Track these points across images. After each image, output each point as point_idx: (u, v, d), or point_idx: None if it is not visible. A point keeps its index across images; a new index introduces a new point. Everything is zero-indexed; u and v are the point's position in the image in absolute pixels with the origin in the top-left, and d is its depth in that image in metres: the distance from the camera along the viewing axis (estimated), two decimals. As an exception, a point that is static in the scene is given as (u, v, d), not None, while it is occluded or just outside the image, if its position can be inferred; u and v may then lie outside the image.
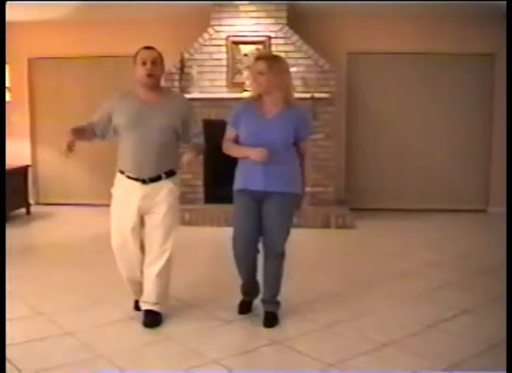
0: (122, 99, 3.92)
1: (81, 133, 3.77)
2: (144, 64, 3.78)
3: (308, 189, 4.03)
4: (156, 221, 3.87)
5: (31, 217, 8.01)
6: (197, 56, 7.72)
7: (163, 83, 6.84)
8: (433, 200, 8.49)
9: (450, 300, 4.54)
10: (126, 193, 3.88)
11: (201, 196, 7.89)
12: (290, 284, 4.26)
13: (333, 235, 7.05)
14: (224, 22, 7.71)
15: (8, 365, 3.23)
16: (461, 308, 4.30)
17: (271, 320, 3.96)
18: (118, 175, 3.95)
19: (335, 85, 7.72)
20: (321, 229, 7.15)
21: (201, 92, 7.64)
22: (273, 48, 7.61)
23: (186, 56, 7.66)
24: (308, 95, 7.29)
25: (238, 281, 4.20)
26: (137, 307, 4.13)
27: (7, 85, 8.25)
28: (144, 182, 3.83)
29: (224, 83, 7.75)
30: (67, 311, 4.22)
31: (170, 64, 7.43)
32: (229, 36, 7.68)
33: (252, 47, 7.69)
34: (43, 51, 8.54)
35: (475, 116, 8.41)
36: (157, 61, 3.82)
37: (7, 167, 7.49)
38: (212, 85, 7.74)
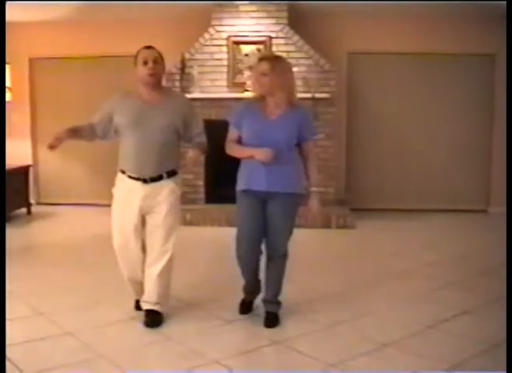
0: (123, 99, 3.93)
1: (75, 133, 3.80)
2: (145, 63, 3.78)
3: (314, 189, 4.00)
4: (158, 220, 3.88)
5: (32, 217, 8.02)
6: (198, 56, 7.73)
7: (163, 83, 6.87)
8: (433, 200, 8.49)
9: (450, 300, 4.54)
10: (127, 193, 3.88)
11: (203, 196, 7.89)
12: (291, 284, 4.26)
13: (333, 235, 7.06)
14: (225, 22, 7.71)
15: (9, 365, 3.24)
16: (462, 309, 4.30)
17: (272, 320, 3.96)
18: (119, 175, 3.96)
19: (336, 85, 7.73)
20: (322, 229, 7.15)
21: (202, 92, 7.65)
22: (274, 48, 7.61)
23: (187, 56, 7.67)
24: (309, 96, 7.30)
25: (239, 281, 4.20)
26: (138, 307, 4.14)
27: (8, 84, 8.25)
28: (145, 181, 3.84)
29: (225, 83, 7.76)
30: (67, 312, 4.22)
31: (171, 64, 7.43)
32: (230, 36, 7.69)
33: (253, 47, 7.70)
34: (43, 51, 8.55)
35: (475, 116, 8.41)
36: (158, 60, 3.83)
37: (8, 167, 7.49)
38: (212, 85, 7.74)
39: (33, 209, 8.28)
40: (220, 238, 6.47)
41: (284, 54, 6.76)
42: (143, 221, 3.92)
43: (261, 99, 3.89)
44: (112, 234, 3.97)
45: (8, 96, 8.31)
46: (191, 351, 3.54)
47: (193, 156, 3.76)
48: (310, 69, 7.60)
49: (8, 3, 5.47)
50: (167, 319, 4.00)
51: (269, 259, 3.99)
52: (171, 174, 3.91)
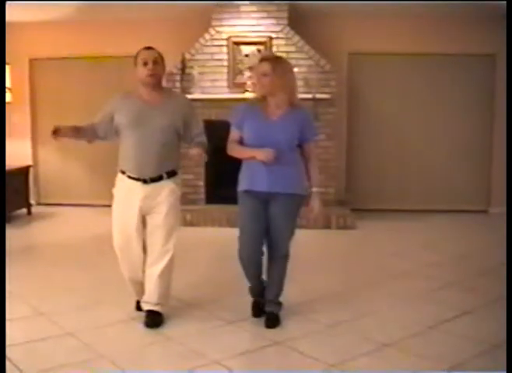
0: (124, 99, 3.93)
1: (77, 132, 3.80)
2: (145, 64, 3.78)
3: (315, 189, 4.00)
4: (158, 221, 3.88)
5: (32, 218, 8.02)
6: (198, 56, 7.73)
7: (164, 84, 6.87)
8: (434, 200, 8.49)
9: (450, 300, 4.54)
10: (127, 194, 3.88)
11: (203, 196, 7.89)
12: (292, 284, 4.25)
13: (334, 235, 7.06)
14: (225, 22, 7.71)
15: (9, 365, 3.24)
16: (462, 309, 4.30)
17: (272, 321, 3.96)
18: (119, 175, 3.96)
19: (336, 86, 7.73)
20: (322, 230, 7.15)
21: (203, 92, 7.65)
22: (274, 49, 7.61)
23: (187, 56, 7.67)
24: (309, 96, 7.30)
25: (240, 282, 4.20)
26: (138, 307, 4.13)
27: (8, 85, 8.26)
28: (145, 182, 3.84)
29: (225, 84, 7.76)
30: (68, 312, 4.22)
31: (172, 64, 7.43)
32: (231, 36, 7.68)
33: (253, 48, 7.69)
34: (44, 52, 8.55)
35: (476, 116, 8.41)
36: (158, 61, 3.83)
37: (8, 167, 7.50)
38: (213, 85, 7.74)
39: (34, 209, 8.28)
40: (221, 238, 6.49)
41: (284, 55, 6.78)
42: (144, 222, 3.92)
43: (262, 100, 3.89)
44: (112, 234, 3.97)
45: (8, 97, 8.31)
46: (192, 352, 3.54)
47: (196, 153, 3.74)
48: (310, 69, 7.60)
49: (8, 3, 5.47)
50: (168, 320, 4.00)
51: (271, 259, 3.99)
52: (171, 174, 3.91)
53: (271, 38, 7.66)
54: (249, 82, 7.38)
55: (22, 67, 8.62)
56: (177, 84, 7.63)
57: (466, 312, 4.25)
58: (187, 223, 7.17)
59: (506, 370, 2.77)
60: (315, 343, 3.70)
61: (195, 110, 4.07)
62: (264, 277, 4.10)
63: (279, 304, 4.06)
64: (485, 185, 8.49)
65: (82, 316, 4.14)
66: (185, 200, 7.40)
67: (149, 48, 3.86)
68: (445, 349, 3.60)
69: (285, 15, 7.66)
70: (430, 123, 8.44)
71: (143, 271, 3.97)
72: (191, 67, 7.64)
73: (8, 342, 3.41)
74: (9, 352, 3.37)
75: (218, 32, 7.71)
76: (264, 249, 3.98)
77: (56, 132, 3.67)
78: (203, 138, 3.98)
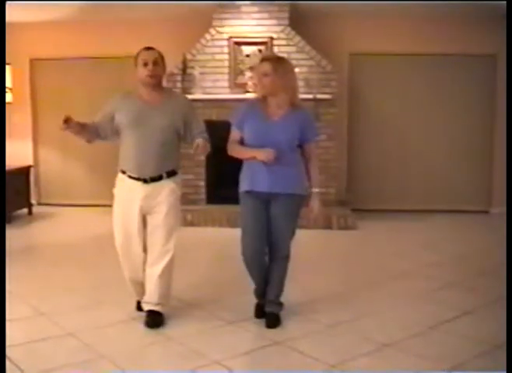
0: (124, 99, 3.94)
1: (82, 128, 3.79)
2: (145, 64, 3.79)
3: (316, 190, 4.01)
4: (158, 221, 3.88)
5: (33, 218, 8.02)
6: (199, 57, 7.73)
7: (165, 84, 6.86)
8: (434, 201, 8.49)
9: (451, 301, 4.54)
10: (128, 193, 3.88)
11: (204, 196, 7.90)
12: (292, 284, 4.25)
13: (335, 235, 7.06)
14: (226, 22, 7.71)
15: (10, 366, 3.24)
16: (462, 309, 4.30)
17: (273, 321, 3.96)
18: (120, 175, 3.96)
19: (337, 86, 7.73)
20: (323, 230, 7.15)
21: (204, 92, 7.65)
22: (275, 49, 7.61)
23: (188, 57, 7.67)
24: (310, 96, 7.30)
25: (240, 282, 4.21)
26: (139, 307, 4.13)
27: (9, 85, 8.26)
28: (145, 181, 3.84)
29: (226, 84, 7.76)
30: (68, 312, 4.22)
31: (172, 64, 7.43)
32: (232, 36, 7.68)
33: (254, 48, 7.69)
34: (44, 52, 8.56)
35: (476, 116, 8.41)
36: (158, 62, 3.83)
37: (9, 168, 7.50)
38: (214, 85, 7.74)
39: (34, 209, 8.29)
40: (221, 238, 6.50)
41: (285, 55, 6.76)
42: (144, 221, 3.92)
43: (262, 100, 3.89)
44: (114, 234, 3.98)
45: (9, 97, 8.32)
46: (192, 352, 3.54)
47: (201, 142, 3.71)
48: (311, 70, 7.59)
49: (8, 3, 5.47)
50: (168, 320, 4.00)
51: (271, 260, 3.99)
52: (171, 174, 3.91)
53: (272, 38, 7.66)
54: (250, 83, 7.38)
55: (23, 68, 8.63)
56: (178, 84, 7.63)
57: (466, 312, 4.25)
58: (187, 223, 7.18)
59: (507, 370, 2.77)
60: (315, 343, 3.70)
61: (196, 110, 4.07)
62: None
63: (280, 304, 4.06)
64: (486, 185, 8.49)
65: (83, 316, 4.14)
66: (186, 200, 7.42)
67: (149, 48, 3.86)
68: (445, 349, 3.60)
69: (286, 15, 7.66)
70: (431, 123, 8.44)
71: (144, 271, 3.98)
72: (192, 68, 7.64)
73: (8, 342, 3.42)
74: (10, 352, 3.37)
75: (219, 32, 7.71)
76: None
77: (67, 121, 3.67)
78: (205, 135, 3.96)
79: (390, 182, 8.52)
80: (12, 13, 7.11)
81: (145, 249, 3.96)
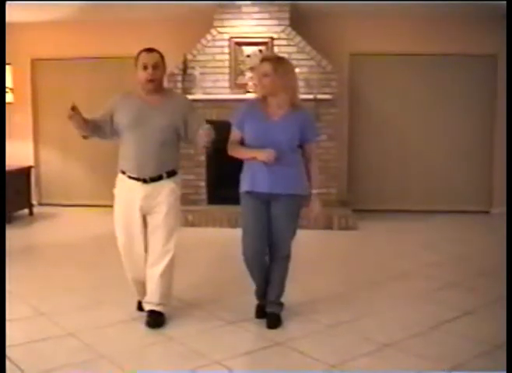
0: (124, 99, 3.94)
1: (84, 121, 3.78)
2: (145, 68, 3.78)
3: (315, 191, 4.01)
4: (158, 221, 3.88)
5: (34, 218, 8.03)
6: (200, 57, 7.73)
7: (165, 84, 6.85)
8: (435, 201, 8.49)
9: (451, 301, 4.54)
10: (128, 193, 3.89)
11: (204, 197, 7.90)
12: (293, 285, 4.25)
13: (335, 236, 7.06)
14: (227, 23, 7.71)
15: (10, 366, 3.24)
16: (463, 309, 4.30)
17: (274, 321, 3.96)
18: (120, 175, 3.97)
19: (338, 86, 7.73)
20: (324, 230, 7.15)
21: (204, 93, 7.65)
22: (276, 49, 7.61)
23: (189, 57, 7.67)
24: (311, 97, 7.30)
25: (240, 282, 4.22)
26: (140, 307, 4.14)
27: (10, 85, 8.27)
28: (145, 181, 3.84)
29: (227, 84, 7.76)
30: (69, 312, 4.23)
31: (173, 65, 7.43)
32: (232, 37, 7.69)
33: (255, 48, 7.69)
34: (45, 52, 8.56)
35: (477, 117, 8.41)
36: (158, 65, 3.82)
37: (10, 168, 7.50)
38: (214, 86, 7.74)
39: (35, 210, 8.29)
40: (222, 239, 6.50)
41: (286, 55, 6.76)
42: (145, 221, 3.92)
43: (262, 100, 3.89)
44: (115, 234, 3.99)
45: (10, 97, 8.32)
46: (193, 352, 3.55)
47: (204, 130, 3.67)
48: (311, 70, 7.59)
49: (8, 3, 5.48)
50: (169, 320, 4.00)
51: (272, 260, 4.00)
52: (171, 174, 3.92)
53: (272, 39, 7.66)
54: (250, 83, 7.38)
55: (24, 68, 8.63)
56: (179, 84, 7.63)
57: (466, 313, 4.25)
58: (188, 223, 7.18)
59: (507, 370, 2.77)
60: (316, 344, 3.70)
61: (196, 110, 4.06)
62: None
63: (281, 304, 4.07)
64: (486, 185, 8.48)
65: (83, 316, 4.14)
66: (186, 200, 7.42)
67: (150, 51, 3.84)
68: (445, 349, 3.60)
69: (287, 15, 7.66)
70: (432, 123, 8.43)
71: (145, 271, 3.98)
72: (193, 68, 7.64)
73: (9, 342, 3.42)
74: (10, 352, 3.37)
75: (219, 32, 7.71)
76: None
77: (74, 109, 3.67)
78: (207, 126, 3.89)
79: (390, 182, 8.52)
80: (13, 13, 7.12)
81: (146, 249, 3.96)
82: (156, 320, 3.93)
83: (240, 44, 7.71)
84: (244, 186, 3.93)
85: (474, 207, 8.46)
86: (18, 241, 6.58)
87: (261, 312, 4.10)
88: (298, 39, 7.67)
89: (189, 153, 7.52)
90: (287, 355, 3.56)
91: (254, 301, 4.17)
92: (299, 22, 7.80)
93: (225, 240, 6.02)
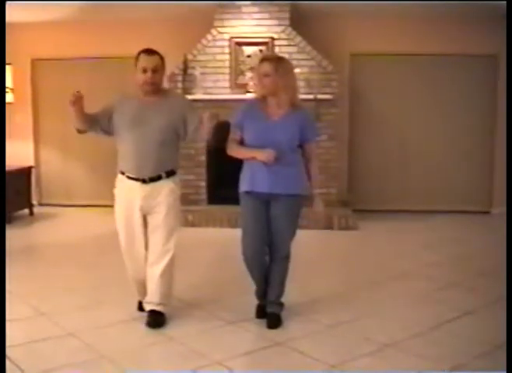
0: (123, 99, 3.94)
1: (84, 113, 3.79)
2: (145, 71, 3.77)
3: (316, 190, 4.01)
4: (158, 221, 3.89)
5: (34, 218, 8.03)
6: (200, 57, 7.73)
7: (166, 84, 6.85)
8: (435, 201, 8.48)
9: (451, 301, 4.54)
10: (128, 194, 3.89)
11: (205, 197, 7.90)
12: (293, 285, 4.25)
13: (336, 236, 7.06)
14: (227, 23, 7.71)
15: (11, 366, 3.24)
16: (464, 310, 4.30)
17: (274, 321, 3.96)
18: (119, 176, 3.97)
19: (338, 87, 7.73)
20: (324, 230, 7.14)
21: (205, 93, 7.65)
22: (276, 49, 7.60)
23: (189, 57, 7.67)
24: (311, 97, 7.30)
25: (241, 282, 4.21)
26: (140, 308, 4.14)
27: (10, 86, 8.27)
28: (144, 181, 3.84)
29: (227, 84, 7.76)
30: (69, 312, 4.22)
31: (173, 65, 7.43)
32: (233, 37, 7.68)
33: (255, 49, 7.69)
34: (46, 52, 8.55)
35: (478, 117, 8.41)
36: (158, 69, 3.81)
37: (10, 168, 7.50)
38: (215, 86, 7.74)
39: (35, 210, 8.29)
40: (222, 239, 6.49)
41: (286, 55, 6.75)
42: (145, 221, 3.93)
43: (262, 100, 3.89)
44: (116, 234, 3.99)
45: (10, 97, 8.32)
46: (193, 352, 3.55)
47: (209, 114, 3.65)
48: (312, 70, 7.59)
49: (8, 3, 5.48)
50: (169, 320, 4.00)
51: (272, 260, 3.99)
52: (170, 174, 3.91)
53: (273, 39, 7.66)
54: (251, 83, 7.38)
55: (25, 68, 8.62)
56: (179, 84, 7.62)
57: (467, 313, 4.25)
58: (188, 223, 7.18)
59: (507, 370, 2.77)
60: (316, 344, 3.70)
61: (195, 108, 4.04)
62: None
63: (281, 304, 4.07)
64: (487, 186, 8.48)
65: (84, 316, 4.14)
66: (187, 200, 7.43)
67: (150, 53, 3.81)
68: (446, 349, 3.60)
69: (287, 15, 7.66)
70: (432, 123, 8.43)
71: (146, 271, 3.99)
72: (193, 68, 7.63)
73: (9, 342, 3.42)
74: (10, 352, 3.37)
75: (220, 32, 7.71)
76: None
77: (78, 93, 3.67)
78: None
79: (391, 182, 8.52)
80: (13, 13, 7.12)
81: (147, 249, 3.96)
82: (156, 320, 3.93)
83: (240, 44, 7.71)
84: (244, 186, 3.93)
85: (474, 207, 8.46)
86: (18, 241, 6.58)
87: (261, 312, 4.10)
88: (298, 39, 7.67)
89: (189, 153, 7.52)
90: (287, 355, 3.56)
91: (254, 301, 4.17)
92: (300, 22, 7.80)
93: (225, 240, 6.01)
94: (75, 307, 4.34)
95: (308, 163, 3.97)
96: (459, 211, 8.29)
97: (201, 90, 7.63)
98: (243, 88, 7.58)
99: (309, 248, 6.08)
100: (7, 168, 7.37)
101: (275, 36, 7.67)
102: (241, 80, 7.72)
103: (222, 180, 7.50)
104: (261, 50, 7.66)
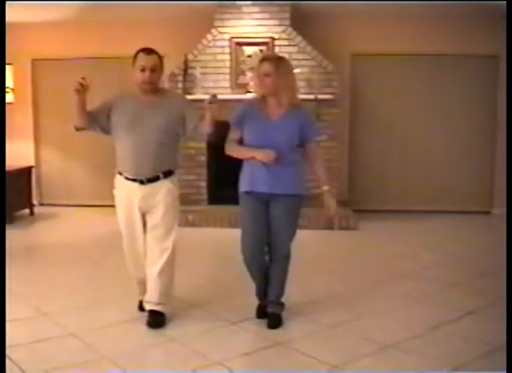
0: (121, 99, 3.94)
1: (85, 108, 3.80)
2: (143, 71, 3.77)
3: (326, 188, 4.01)
4: (156, 220, 3.89)
5: (34, 218, 8.03)
6: (200, 57, 7.73)
7: (166, 84, 6.86)
8: (436, 201, 8.48)
9: (452, 301, 4.54)
10: (127, 194, 3.90)
11: (205, 197, 7.90)
12: (294, 285, 4.25)
13: (336, 236, 7.06)
14: (227, 23, 7.71)
15: (12, 366, 3.24)
16: (464, 310, 4.30)
17: (275, 321, 3.96)
18: (117, 176, 3.97)
19: (339, 87, 7.72)
20: (324, 230, 7.15)
21: (205, 93, 7.63)
22: (277, 49, 7.60)
23: (190, 57, 7.67)
24: (312, 97, 7.30)
25: (241, 282, 4.21)
26: (141, 307, 4.14)
27: (11, 85, 8.27)
28: (142, 182, 3.85)
29: (228, 84, 7.76)
30: (70, 312, 4.22)
31: (174, 65, 7.44)
32: (233, 37, 7.68)
33: (255, 49, 7.69)
34: (46, 52, 8.56)
35: (478, 117, 8.41)
36: (156, 68, 3.80)
37: (10, 168, 7.51)
38: (215, 86, 7.73)
39: (36, 210, 8.29)
40: (223, 239, 6.49)
41: (287, 55, 6.74)
42: (145, 221, 3.93)
43: (262, 100, 3.89)
44: (118, 234, 4.01)
45: (10, 97, 8.33)
46: (194, 352, 3.55)
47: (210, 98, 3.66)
48: (313, 70, 7.59)
49: (8, 3, 5.48)
50: (169, 320, 4.00)
51: (272, 260, 3.99)
52: (168, 174, 3.91)
53: (273, 39, 7.66)
54: (251, 83, 7.37)
55: (25, 68, 8.63)
56: (180, 84, 7.62)
57: (468, 313, 4.25)
58: (189, 223, 7.18)
59: (507, 371, 2.77)
60: (317, 344, 3.70)
61: (193, 106, 4.02)
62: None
63: (281, 304, 4.07)
64: (487, 186, 8.48)
65: (85, 317, 4.14)
66: (187, 200, 7.43)
67: (149, 52, 3.81)
68: (447, 350, 3.60)
69: (288, 15, 7.66)
70: (433, 123, 8.43)
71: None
72: (194, 68, 7.63)
73: (10, 342, 3.43)
74: (12, 352, 3.38)
75: (220, 32, 7.71)
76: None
77: (84, 81, 3.69)
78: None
79: (391, 182, 8.52)
80: (14, 14, 7.13)
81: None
82: (156, 320, 3.93)
83: (240, 44, 7.71)
84: (243, 186, 3.93)
85: (475, 207, 8.46)
86: (19, 241, 6.58)
87: (261, 312, 4.10)
88: (299, 39, 7.67)
89: (189, 153, 7.52)
90: (288, 355, 3.56)
91: (254, 302, 4.17)
92: (300, 23, 7.80)
93: (225, 240, 6.01)
94: (76, 307, 4.34)
95: (313, 162, 3.97)
96: (460, 211, 8.29)
97: (201, 90, 7.62)
98: (244, 88, 7.58)
99: (309, 248, 6.08)
100: (7, 168, 7.38)
101: (276, 36, 7.67)
102: (242, 80, 7.72)
103: (222, 180, 7.50)
104: (261, 50, 7.66)
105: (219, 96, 6.16)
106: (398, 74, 8.38)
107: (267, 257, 4.01)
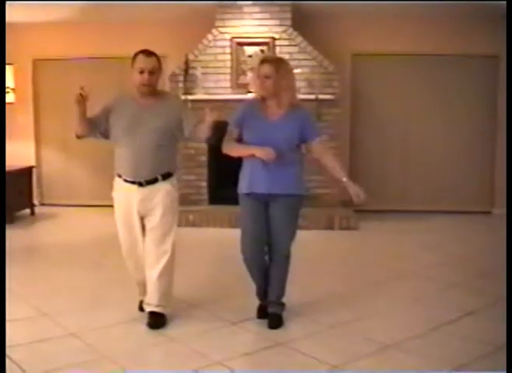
0: (119, 101, 3.95)
1: (85, 115, 3.80)
2: (142, 73, 3.77)
3: (345, 179, 4.01)
4: (154, 223, 3.88)
5: (35, 218, 8.03)
6: (201, 57, 7.73)
7: (167, 85, 6.86)
8: (437, 201, 8.48)
9: (452, 302, 4.54)
10: (125, 197, 3.90)
11: (206, 197, 7.90)
12: (294, 285, 4.26)
13: (337, 236, 7.06)
14: (228, 23, 7.71)
15: (12, 366, 3.25)
16: (465, 310, 4.30)
17: (276, 322, 3.96)
18: (116, 178, 3.97)
19: (339, 87, 7.73)
20: (325, 230, 7.15)
21: (206, 93, 7.64)
22: (277, 49, 7.61)
23: (190, 57, 7.67)
24: (312, 97, 7.30)
25: (242, 283, 4.21)
26: (141, 308, 4.14)
27: (11, 86, 8.28)
28: (140, 184, 3.84)
29: (228, 84, 7.76)
30: (71, 312, 4.23)
31: (175, 65, 7.44)
32: (234, 37, 7.68)
33: (256, 49, 7.69)
34: (47, 52, 8.56)
35: (479, 117, 8.41)
36: (155, 70, 3.80)
37: (11, 168, 7.51)
38: (216, 86, 7.74)
39: (37, 210, 8.30)
40: (223, 239, 6.49)
41: (287, 56, 6.79)
42: (143, 224, 3.93)
43: (261, 101, 3.89)
44: (118, 235, 4.00)
45: (11, 97, 8.33)
46: (194, 352, 3.55)
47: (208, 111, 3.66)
48: (313, 70, 7.59)
49: (8, 3, 5.48)
50: (170, 320, 4.00)
51: (272, 260, 4.00)
52: (166, 176, 3.90)
53: (274, 39, 7.65)
54: (252, 83, 7.38)
55: (26, 68, 8.63)
56: (180, 85, 7.63)
57: (468, 313, 4.25)
58: (189, 224, 7.19)
59: (507, 371, 2.77)
60: (317, 344, 3.70)
61: (188, 108, 4.03)
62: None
63: (282, 305, 4.07)
64: (488, 186, 8.48)
65: (85, 317, 4.14)
66: (188, 200, 7.44)
67: (148, 55, 3.80)
68: (447, 350, 3.60)
69: (289, 15, 7.66)
70: (433, 123, 8.43)
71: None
72: (194, 68, 7.63)
73: (10, 342, 3.43)
74: (12, 352, 3.38)
75: (221, 32, 7.71)
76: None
77: (84, 91, 3.70)
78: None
79: (392, 182, 8.52)
80: (15, 14, 7.14)
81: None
82: (156, 321, 3.93)
83: (241, 44, 7.71)
84: (243, 187, 3.93)
85: (475, 207, 8.46)
86: (19, 241, 6.59)
87: (262, 313, 4.10)
88: (299, 39, 7.67)
89: (190, 153, 7.52)
90: (288, 355, 3.56)
91: (255, 302, 4.17)
92: (301, 23, 7.80)
93: (226, 240, 6.00)
94: (77, 307, 4.34)
95: (321, 159, 3.96)
96: (460, 211, 8.29)
97: (202, 90, 7.63)
98: (245, 88, 7.58)
99: (309, 248, 6.08)
100: (8, 168, 7.38)
101: (276, 36, 7.67)
102: (242, 80, 7.72)
103: (222, 180, 7.50)
104: (262, 51, 7.66)
105: (220, 96, 6.18)
106: (399, 74, 8.38)
107: (267, 257, 4.01)
